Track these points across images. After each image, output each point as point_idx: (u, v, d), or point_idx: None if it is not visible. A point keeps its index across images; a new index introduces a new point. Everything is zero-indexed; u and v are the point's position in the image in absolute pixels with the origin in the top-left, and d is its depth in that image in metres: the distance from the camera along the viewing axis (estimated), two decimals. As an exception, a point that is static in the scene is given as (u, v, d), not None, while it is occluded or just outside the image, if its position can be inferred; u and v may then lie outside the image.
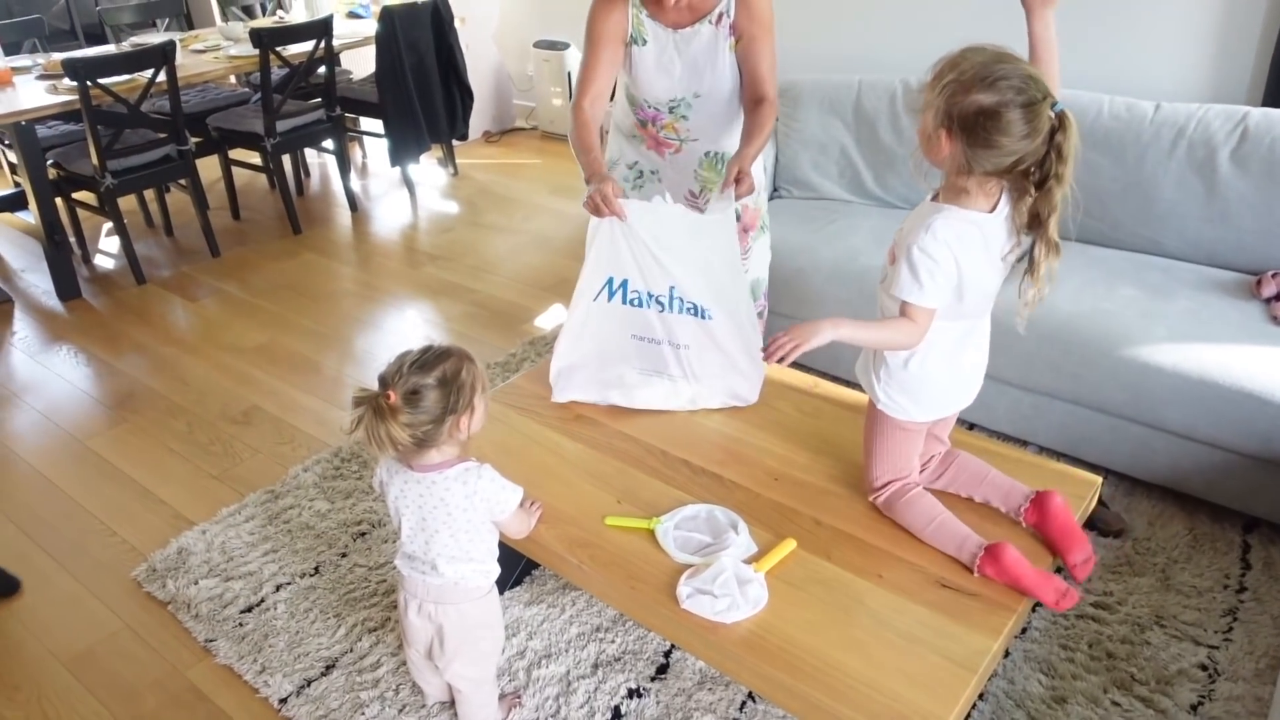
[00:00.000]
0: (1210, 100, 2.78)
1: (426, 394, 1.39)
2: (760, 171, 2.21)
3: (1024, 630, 1.92)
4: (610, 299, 1.95)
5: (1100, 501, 2.19)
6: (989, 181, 1.40)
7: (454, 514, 1.50)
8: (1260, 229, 2.43)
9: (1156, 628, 1.92)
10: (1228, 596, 1.99)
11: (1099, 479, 1.79)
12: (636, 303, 1.94)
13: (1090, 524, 2.18)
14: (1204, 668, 1.82)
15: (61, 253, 3.60)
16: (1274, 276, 2.33)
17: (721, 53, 2.01)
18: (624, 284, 1.94)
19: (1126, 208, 2.61)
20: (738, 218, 2.19)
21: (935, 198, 1.50)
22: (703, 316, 1.93)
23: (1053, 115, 1.32)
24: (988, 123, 1.31)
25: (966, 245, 1.42)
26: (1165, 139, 2.52)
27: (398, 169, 4.69)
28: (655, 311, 1.94)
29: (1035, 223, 1.41)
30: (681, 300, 1.92)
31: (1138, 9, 2.84)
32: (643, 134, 2.22)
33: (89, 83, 3.30)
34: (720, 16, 1.98)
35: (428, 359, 1.42)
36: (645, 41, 2.01)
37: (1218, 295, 2.34)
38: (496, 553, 1.62)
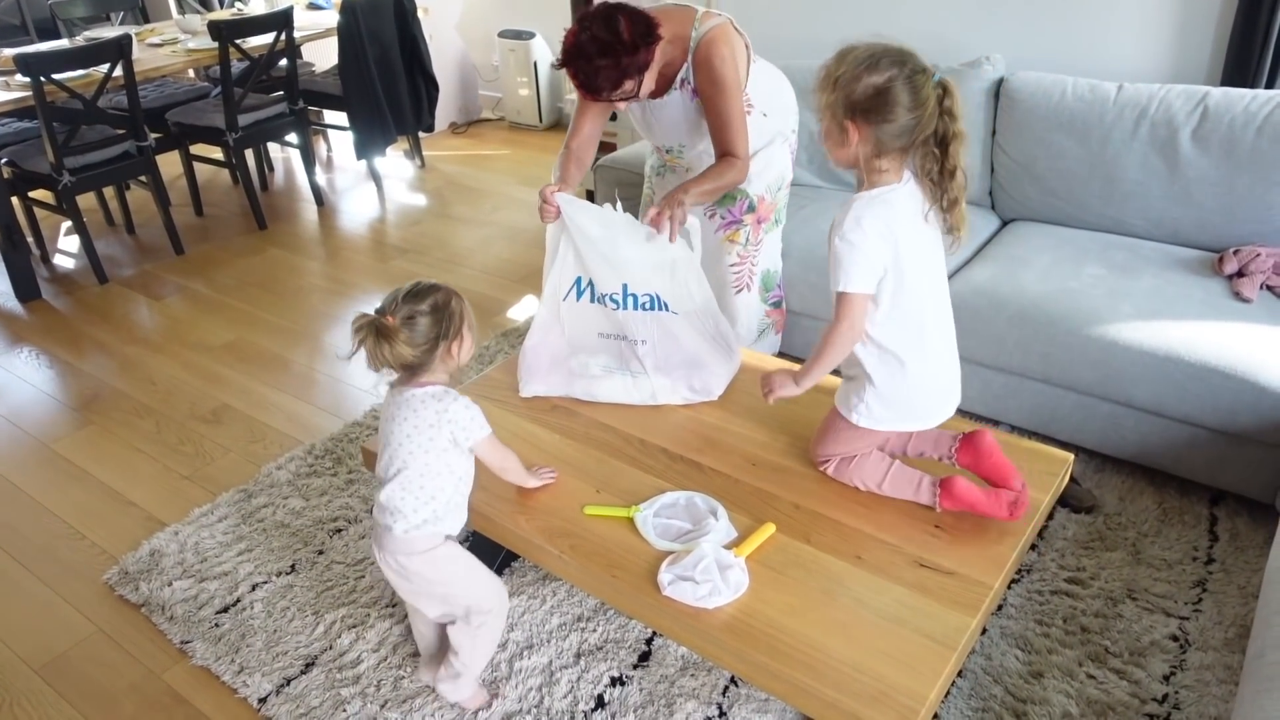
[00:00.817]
0: (1171, 80, 2.82)
1: (420, 319, 1.51)
2: (785, 159, 2.33)
3: (1000, 607, 1.95)
4: (579, 298, 2.01)
5: (1072, 479, 2.22)
6: (899, 157, 1.51)
7: (424, 434, 1.54)
8: (1221, 207, 2.48)
9: (1129, 601, 1.95)
10: (1196, 568, 2.04)
11: (1070, 456, 1.82)
12: (601, 301, 2.00)
13: (1062, 501, 2.22)
14: (1175, 638, 1.86)
15: (19, 253, 3.52)
16: (1235, 254, 2.37)
17: (692, 113, 2.13)
18: (591, 284, 1.99)
19: (1091, 188, 2.65)
20: (736, 216, 2.30)
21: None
22: (662, 309, 1.98)
23: (936, 85, 1.45)
24: (882, 99, 1.43)
25: (889, 219, 1.50)
26: (1128, 120, 2.56)
27: (364, 162, 4.64)
28: (612, 309, 1.99)
29: (947, 175, 1.51)
30: (635, 297, 1.96)
31: (1099, -9, 2.87)
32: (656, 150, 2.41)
33: (43, 78, 3.22)
34: (683, 82, 2.07)
35: (419, 290, 1.54)
36: (627, 105, 2.05)
37: (1182, 273, 2.38)
38: (462, 514, 1.65)
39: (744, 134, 2.07)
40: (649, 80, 1.93)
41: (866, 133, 1.46)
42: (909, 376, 1.60)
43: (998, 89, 2.80)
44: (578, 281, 1.99)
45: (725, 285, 2.36)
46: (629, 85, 1.89)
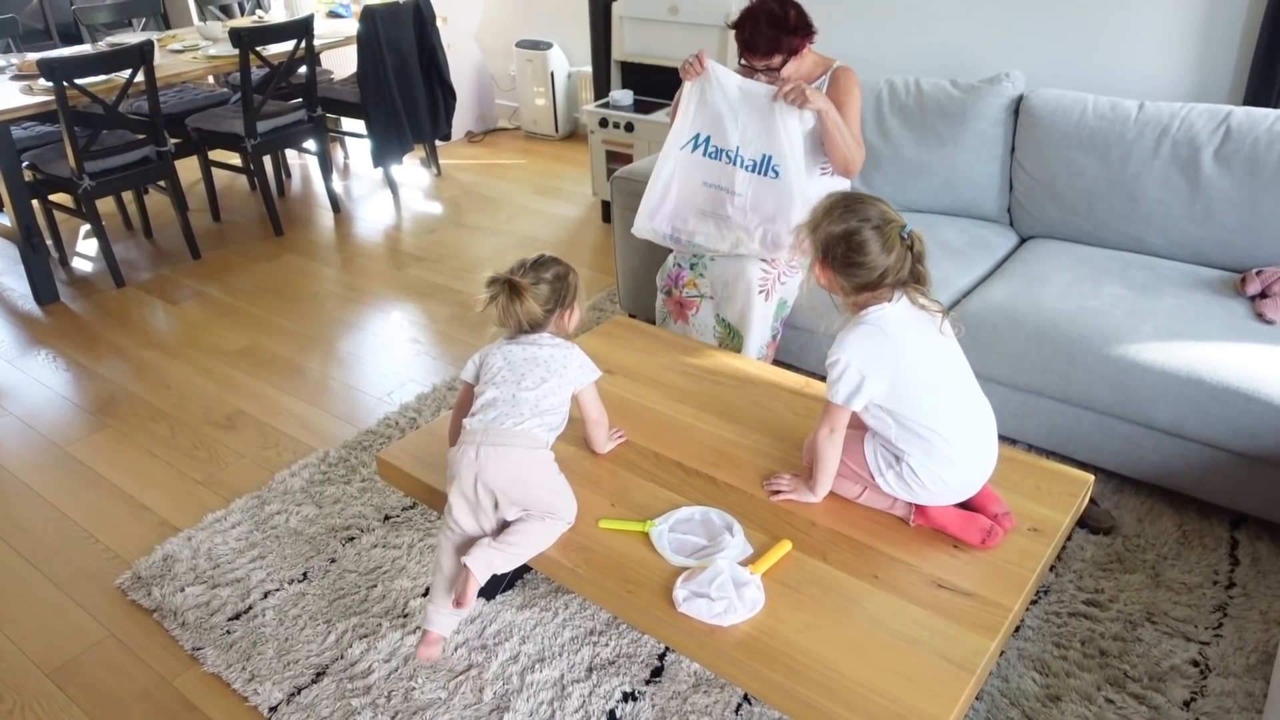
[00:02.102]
0: (1193, 99, 2.80)
1: (543, 286, 1.71)
2: None
3: (1018, 629, 1.93)
4: (694, 151, 2.44)
5: (1091, 500, 2.20)
6: (871, 294, 1.61)
7: (548, 367, 1.70)
8: (1243, 227, 2.46)
9: (1148, 624, 1.93)
10: (1217, 592, 2.01)
11: (1091, 477, 1.80)
12: (714, 155, 2.41)
13: (1081, 522, 2.20)
14: (1196, 664, 1.84)
15: (39, 256, 3.54)
16: (1258, 274, 2.35)
17: (796, 125, 2.40)
18: (707, 140, 2.42)
19: (1112, 206, 2.63)
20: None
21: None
22: (768, 173, 2.35)
23: (904, 236, 1.56)
24: (847, 245, 1.56)
25: (879, 343, 1.58)
26: (1149, 138, 2.54)
27: (380, 170, 4.66)
28: (725, 163, 2.40)
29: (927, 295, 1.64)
30: (743, 158, 2.37)
31: (1121, 8, 2.86)
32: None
33: (65, 83, 3.25)
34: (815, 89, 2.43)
35: (543, 260, 1.74)
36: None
37: (1203, 293, 2.35)
38: (561, 427, 1.74)
39: (860, 140, 2.43)
40: (791, 65, 2.36)
41: (831, 275, 1.61)
42: (922, 472, 1.62)
43: (1017, 106, 2.79)
44: (695, 137, 2.43)
45: (752, 286, 2.42)
46: (778, 59, 2.33)
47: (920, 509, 1.66)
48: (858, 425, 1.69)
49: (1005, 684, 1.80)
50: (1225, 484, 2.14)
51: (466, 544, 1.65)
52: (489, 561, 1.61)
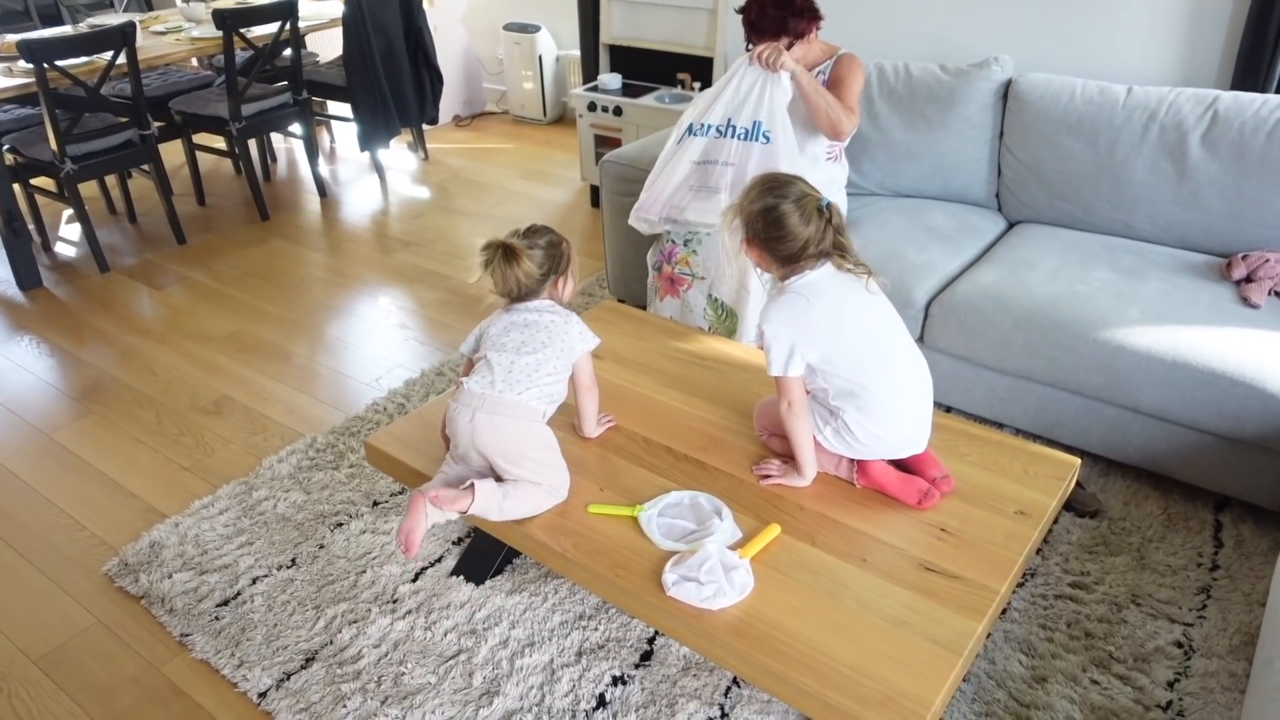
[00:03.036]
0: (1181, 84, 2.81)
1: (536, 250, 1.74)
2: (841, 201, 2.66)
3: (1004, 611, 1.94)
4: (690, 136, 2.47)
5: (1077, 483, 2.21)
6: (796, 266, 1.67)
7: (549, 332, 1.73)
8: (1230, 212, 2.47)
9: (1133, 606, 1.95)
10: (1201, 574, 2.03)
11: (1077, 460, 1.82)
12: (703, 132, 2.44)
13: (1067, 505, 2.21)
14: (1180, 645, 1.86)
15: (21, 241, 3.50)
16: (1243, 259, 2.36)
17: (798, 103, 2.48)
18: (690, 125, 2.47)
19: (1100, 191, 2.64)
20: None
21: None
22: (760, 139, 2.38)
23: (823, 207, 1.63)
24: (769, 220, 1.64)
25: (807, 304, 1.64)
26: (1137, 123, 2.54)
27: (367, 154, 4.62)
28: (714, 137, 2.43)
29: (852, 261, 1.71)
30: (735, 127, 2.40)
31: (1110, -7, 2.86)
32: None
33: (45, 65, 3.20)
34: (819, 74, 2.53)
35: (536, 228, 1.78)
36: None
37: (1189, 277, 2.37)
38: (559, 398, 1.77)
39: (854, 109, 2.47)
40: (799, 49, 2.43)
41: (758, 251, 1.69)
42: (866, 422, 1.67)
43: (1006, 90, 2.79)
44: (690, 127, 2.48)
45: (747, 262, 2.42)
46: (784, 41, 2.38)
47: (862, 469, 1.72)
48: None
49: (992, 665, 1.82)
50: (1210, 467, 2.16)
51: (458, 482, 1.71)
52: (491, 494, 1.66)
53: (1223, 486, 2.16)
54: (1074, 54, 2.97)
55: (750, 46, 2.45)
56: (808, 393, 1.71)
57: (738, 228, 1.71)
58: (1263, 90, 2.64)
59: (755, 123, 2.39)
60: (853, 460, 1.74)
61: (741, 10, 2.45)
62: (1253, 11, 2.60)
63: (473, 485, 1.65)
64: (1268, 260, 2.32)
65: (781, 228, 1.63)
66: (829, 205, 1.65)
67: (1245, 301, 2.24)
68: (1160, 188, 2.54)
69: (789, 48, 2.38)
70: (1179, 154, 2.49)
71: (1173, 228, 2.57)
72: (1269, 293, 2.26)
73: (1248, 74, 2.66)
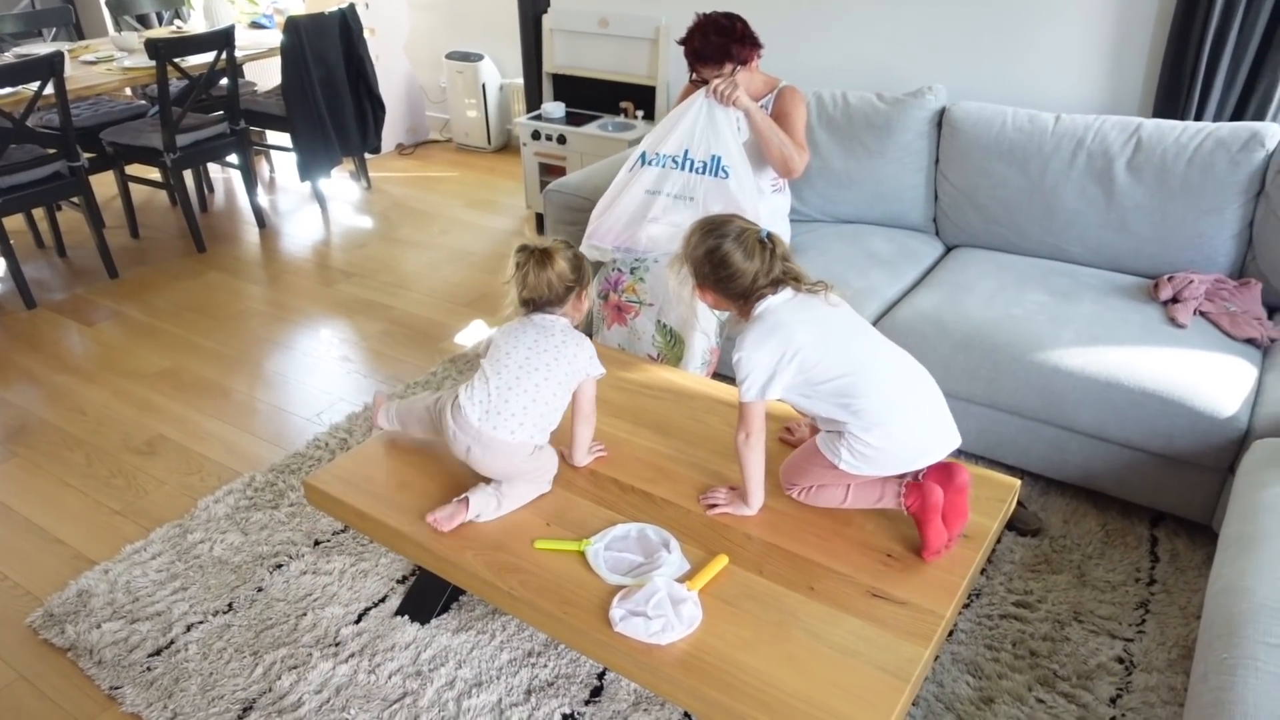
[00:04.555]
0: (1106, 112, 2.91)
1: (568, 255, 1.74)
2: (785, 231, 2.72)
3: (951, 633, 1.96)
4: (641, 166, 2.52)
5: (1019, 502, 2.25)
6: (752, 302, 1.67)
7: (559, 351, 1.72)
8: (1155, 235, 2.55)
9: (1075, 624, 1.98)
10: (1139, 589, 2.07)
11: (1018, 482, 1.84)
12: (656, 163, 2.49)
13: (1010, 524, 2.25)
14: (1121, 660, 1.89)
15: (-59, 277, 3.37)
16: (1169, 280, 2.44)
17: (746, 133, 2.54)
18: (643, 155, 2.51)
19: (1032, 215, 2.71)
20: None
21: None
22: (719, 173, 2.42)
23: (764, 239, 1.64)
24: (714, 262, 1.65)
25: (772, 324, 1.64)
26: (1066, 149, 2.62)
27: (307, 183, 4.56)
28: (668, 168, 2.47)
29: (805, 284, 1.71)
30: (693, 160, 2.44)
31: (1037, 25, 2.95)
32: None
33: (-32, 96, 3.10)
34: (763, 107, 2.55)
35: (556, 245, 1.75)
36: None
37: (1120, 299, 2.44)
38: (554, 426, 1.78)
39: (804, 146, 2.53)
40: (744, 76, 2.46)
41: (711, 293, 1.70)
42: (873, 429, 1.61)
43: (940, 118, 2.86)
44: (642, 155, 2.52)
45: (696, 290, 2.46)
46: (728, 68, 2.43)
47: (909, 489, 1.66)
48: (815, 432, 1.74)
49: (940, 689, 1.83)
50: (1144, 484, 2.21)
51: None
52: (486, 500, 1.72)
53: (1157, 502, 2.22)
54: (1005, 83, 3.06)
55: (694, 77, 2.47)
56: (813, 429, 1.70)
57: (687, 276, 1.72)
58: (1182, 118, 2.74)
59: (714, 156, 2.42)
60: (899, 483, 1.67)
61: (683, 40, 2.49)
62: (1170, 42, 2.71)
63: (466, 500, 1.71)
64: (1192, 281, 2.40)
65: (728, 266, 1.63)
66: (769, 236, 1.66)
67: (1172, 321, 2.31)
68: (1089, 212, 2.62)
69: (733, 74, 2.43)
70: (1106, 179, 2.57)
71: (1102, 250, 2.64)
72: (1194, 313, 2.33)
73: (1168, 102, 2.77)
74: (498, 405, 1.70)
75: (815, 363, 1.62)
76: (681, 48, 2.51)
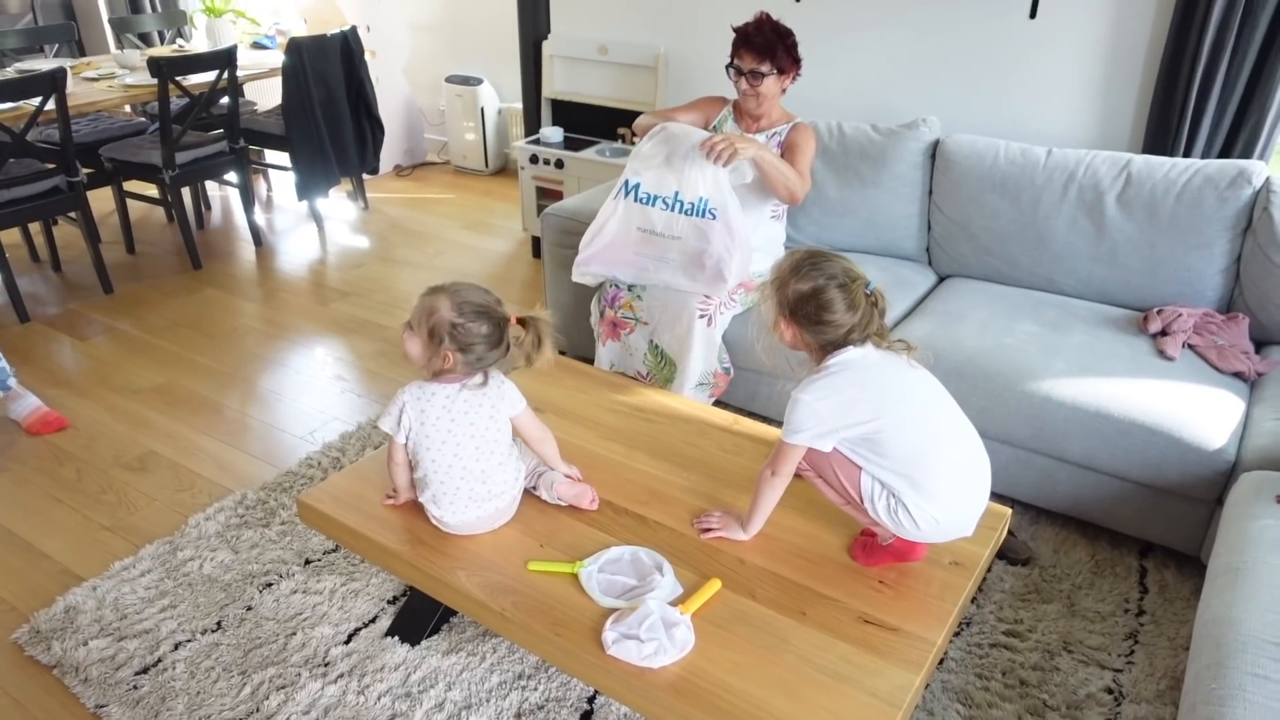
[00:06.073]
0: (1097, 146, 2.95)
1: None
2: (778, 244, 2.79)
3: (941, 661, 1.96)
4: (625, 197, 2.52)
5: (1009, 531, 2.26)
6: (836, 350, 1.59)
7: (496, 395, 1.72)
8: (1144, 269, 2.58)
9: (1065, 653, 1.98)
10: (1128, 620, 2.08)
11: (1009, 511, 1.85)
12: (647, 201, 2.49)
13: (1000, 553, 2.25)
14: (1110, 691, 1.89)
15: (-65, 289, 3.37)
16: (1159, 313, 2.47)
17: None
18: (636, 186, 2.51)
19: (1024, 247, 2.74)
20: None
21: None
22: (707, 215, 2.44)
23: (868, 293, 1.57)
24: (818, 303, 1.56)
25: (846, 379, 1.57)
26: (1057, 183, 2.66)
27: (305, 203, 4.57)
28: (659, 209, 2.48)
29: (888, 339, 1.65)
30: (682, 202, 2.46)
31: (1030, 61, 3.00)
32: None
33: (-31, 110, 3.12)
34: (775, 135, 2.65)
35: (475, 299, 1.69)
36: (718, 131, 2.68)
37: (1110, 331, 2.46)
38: (521, 471, 1.82)
39: (806, 176, 2.58)
40: (774, 85, 2.53)
41: (795, 332, 1.60)
42: (925, 505, 1.57)
43: (934, 150, 2.90)
44: (625, 183, 2.52)
45: (694, 312, 2.50)
46: (766, 66, 2.49)
47: (863, 545, 1.68)
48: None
49: (930, 717, 1.83)
50: (1133, 515, 2.23)
51: None
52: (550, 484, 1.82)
53: (1146, 533, 2.23)
54: (998, 116, 3.11)
55: (731, 63, 2.51)
56: (859, 469, 1.60)
57: (771, 307, 1.62)
58: (1171, 154, 2.79)
59: (701, 199, 2.45)
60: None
61: (739, 27, 2.53)
62: (1160, 80, 2.75)
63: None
64: (1180, 315, 2.43)
65: (829, 312, 1.55)
66: (874, 289, 1.57)
67: (1161, 354, 2.34)
68: (1080, 244, 2.65)
69: (767, 74, 2.49)
70: (1097, 213, 2.61)
71: (1093, 283, 2.68)
72: (1183, 345, 2.36)
73: (1158, 138, 2.81)
74: (465, 501, 1.72)
75: (881, 426, 1.55)
76: (733, 35, 2.54)
